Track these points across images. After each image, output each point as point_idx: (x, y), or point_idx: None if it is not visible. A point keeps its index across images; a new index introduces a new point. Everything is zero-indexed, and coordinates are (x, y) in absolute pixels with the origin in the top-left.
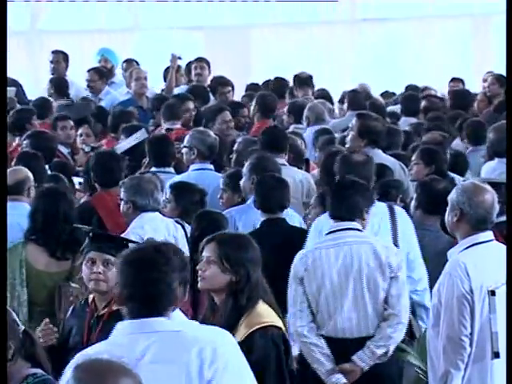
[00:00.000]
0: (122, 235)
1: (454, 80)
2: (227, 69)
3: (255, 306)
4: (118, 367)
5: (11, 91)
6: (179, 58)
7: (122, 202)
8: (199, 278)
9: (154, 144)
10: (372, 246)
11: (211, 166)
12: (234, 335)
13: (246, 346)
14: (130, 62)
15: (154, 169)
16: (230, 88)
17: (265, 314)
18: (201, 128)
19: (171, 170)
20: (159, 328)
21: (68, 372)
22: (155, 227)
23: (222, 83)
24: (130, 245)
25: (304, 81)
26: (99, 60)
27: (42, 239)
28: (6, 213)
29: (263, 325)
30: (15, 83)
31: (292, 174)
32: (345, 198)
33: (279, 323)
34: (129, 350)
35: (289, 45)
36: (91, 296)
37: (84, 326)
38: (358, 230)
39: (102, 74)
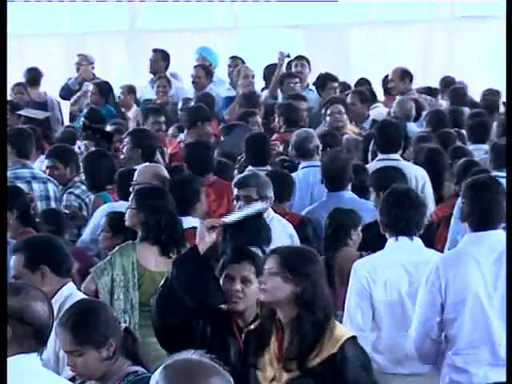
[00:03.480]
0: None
1: None
2: (326, 67)
3: (332, 319)
4: (209, 367)
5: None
6: (287, 56)
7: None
8: (261, 292)
9: (251, 143)
10: None
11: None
12: (317, 351)
13: (341, 356)
14: (235, 59)
15: (250, 167)
16: (337, 84)
17: (341, 326)
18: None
19: (268, 168)
20: (495, 237)
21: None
22: (279, 231)
23: (330, 78)
24: None
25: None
26: (197, 59)
27: (154, 238)
28: (5, 213)
29: (351, 335)
30: (108, 87)
31: (407, 170)
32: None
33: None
34: (473, 254)
35: (388, 43)
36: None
37: (234, 341)
38: None
39: (208, 71)
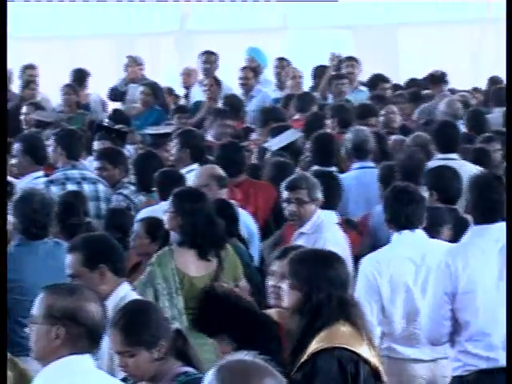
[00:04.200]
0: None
1: None
2: (375, 68)
3: (330, 328)
4: (262, 368)
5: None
6: (338, 57)
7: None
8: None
9: (318, 142)
10: None
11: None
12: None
13: (309, 366)
14: (281, 61)
15: (316, 167)
16: (389, 85)
17: (339, 335)
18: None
19: (334, 168)
20: (497, 229)
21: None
22: (334, 231)
23: (383, 79)
24: None
25: (438, 78)
26: (246, 59)
27: (191, 242)
28: (5, 212)
29: (330, 345)
30: (159, 88)
31: (464, 169)
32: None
33: (356, 348)
34: (479, 246)
35: (437, 44)
36: (272, 311)
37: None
38: None
39: (255, 72)
